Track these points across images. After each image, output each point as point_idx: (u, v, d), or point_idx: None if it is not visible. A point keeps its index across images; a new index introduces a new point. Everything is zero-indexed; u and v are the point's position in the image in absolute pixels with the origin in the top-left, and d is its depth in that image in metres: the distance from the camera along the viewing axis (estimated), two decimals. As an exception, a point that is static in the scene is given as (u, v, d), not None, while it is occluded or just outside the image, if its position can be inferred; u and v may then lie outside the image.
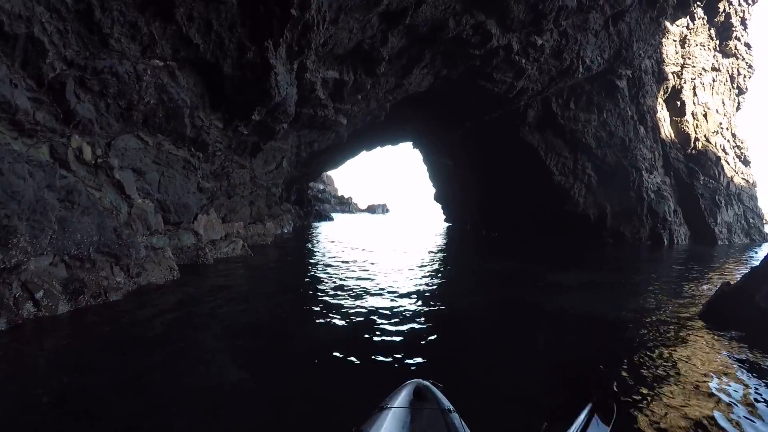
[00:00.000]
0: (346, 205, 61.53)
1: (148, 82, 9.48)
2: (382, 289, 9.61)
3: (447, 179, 30.73)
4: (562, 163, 22.07)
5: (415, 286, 10.23)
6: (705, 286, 10.78)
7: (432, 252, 17.61)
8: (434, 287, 10.27)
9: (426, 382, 3.72)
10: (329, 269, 12.60)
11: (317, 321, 6.99)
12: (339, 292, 9.16)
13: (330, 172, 69.19)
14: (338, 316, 7.14)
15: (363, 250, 17.25)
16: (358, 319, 7.03)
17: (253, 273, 11.96)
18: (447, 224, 38.40)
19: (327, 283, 10.45)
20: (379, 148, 31.13)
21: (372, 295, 9.06)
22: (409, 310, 7.81)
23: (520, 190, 23.82)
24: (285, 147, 16.87)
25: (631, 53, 19.92)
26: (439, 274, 12.38)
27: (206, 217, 15.32)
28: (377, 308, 7.82)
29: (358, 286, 10.03)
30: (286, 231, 24.40)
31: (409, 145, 31.92)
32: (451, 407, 3.34)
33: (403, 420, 3.28)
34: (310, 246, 18.72)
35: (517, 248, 19.72)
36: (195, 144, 11.92)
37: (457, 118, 22.59)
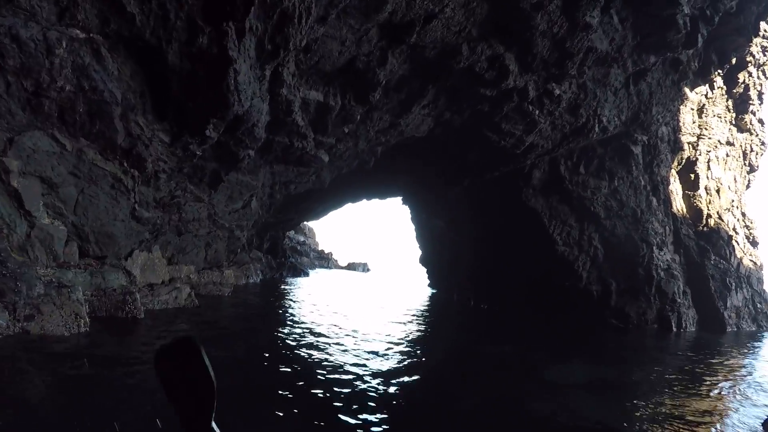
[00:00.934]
0: (325, 261, 58.29)
1: (63, 58, 7.10)
2: (352, 375, 7.00)
3: (436, 242, 28.33)
4: (566, 233, 19.90)
5: (391, 374, 7.62)
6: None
7: (415, 324, 14.93)
8: (414, 378, 7.75)
9: None
10: (289, 340, 9.85)
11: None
12: (296, 378, 6.56)
13: (311, 224, 66.65)
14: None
15: (336, 313, 14.50)
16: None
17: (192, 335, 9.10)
18: (431, 290, 35.51)
19: (281, 359, 7.74)
20: (365, 200, 28.92)
21: (338, 383, 6.54)
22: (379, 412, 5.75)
23: (518, 259, 21.44)
24: (255, 183, 14.44)
25: (650, 117, 18.38)
26: (422, 358, 9.78)
27: (146, 254, 12.54)
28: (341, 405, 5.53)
29: (323, 366, 7.41)
30: (251, 281, 21.47)
31: (397, 200, 29.84)
32: None
33: None
34: (275, 304, 15.84)
35: (510, 327, 17.11)
36: (129, 158, 9.40)
37: (455, 174, 20.58)
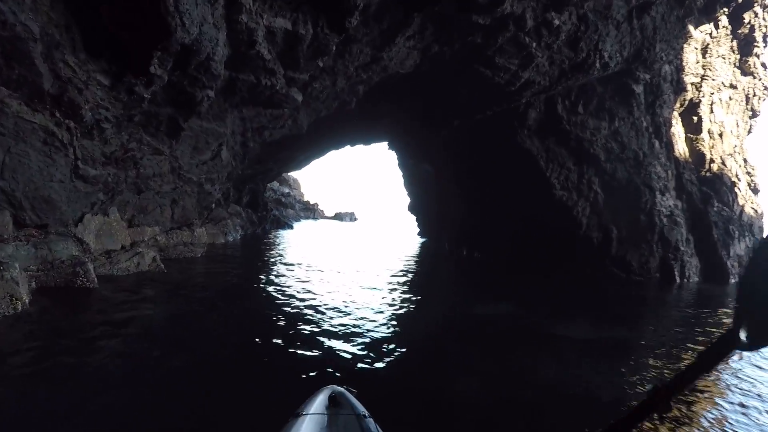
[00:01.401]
0: (311, 212, 57.10)
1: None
2: (336, 332, 6.41)
3: (425, 188, 27.17)
4: (565, 176, 18.79)
5: (385, 341, 6.63)
6: None
7: (405, 278, 13.97)
8: (403, 345, 6.74)
9: (340, 389, 3.72)
10: (270, 303, 8.82)
11: None
12: (277, 353, 5.64)
13: (295, 175, 65.04)
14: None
15: (320, 271, 13.43)
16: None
17: (151, 306, 7.95)
18: (421, 239, 34.83)
19: (258, 328, 6.67)
20: (349, 147, 27.39)
21: (322, 344, 5.79)
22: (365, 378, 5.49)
23: (512, 206, 20.42)
24: (222, 131, 12.90)
25: (653, 54, 16.88)
26: (416, 321, 8.80)
27: (101, 218, 11.19)
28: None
29: (311, 334, 6.42)
30: (230, 239, 20.27)
31: (383, 145, 28.31)
32: (366, 412, 3.35)
33: (320, 426, 3.27)
34: (254, 263, 14.70)
35: (506, 280, 16.28)
36: (60, 106, 7.87)
37: (444, 114, 19.11)
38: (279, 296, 9.64)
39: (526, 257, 19.89)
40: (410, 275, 14.95)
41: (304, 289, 10.61)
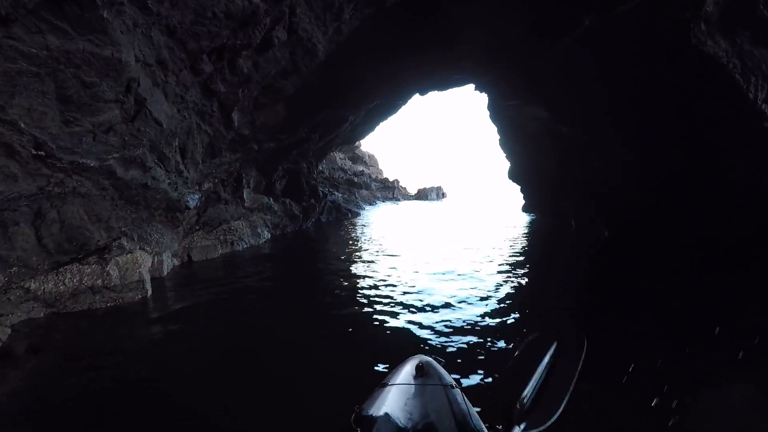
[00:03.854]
0: (390, 191, 49.91)
1: None
2: None
3: (534, 144, 18.78)
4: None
5: None
6: None
7: (514, 287, 7.06)
8: None
9: (428, 358, 3.74)
10: None
11: None
12: None
13: (372, 150, 58.49)
14: None
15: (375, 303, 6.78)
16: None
17: None
18: (528, 216, 26.32)
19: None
20: (418, 96, 19.76)
21: None
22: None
23: (689, 158, 11.57)
24: (123, 59, 6.19)
25: None
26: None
27: None
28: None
29: None
30: (245, 246, 13.89)
31: (468, 94, 20.32)
32: (453, 383, 3.40)
33: (406, 396, 3.32)
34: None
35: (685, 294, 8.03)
36: None
37: (565, 12, 10.99)
38: None
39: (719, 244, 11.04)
40: (522, 274, 8.03)
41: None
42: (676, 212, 12.46)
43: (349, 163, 48.59)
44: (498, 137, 22.93)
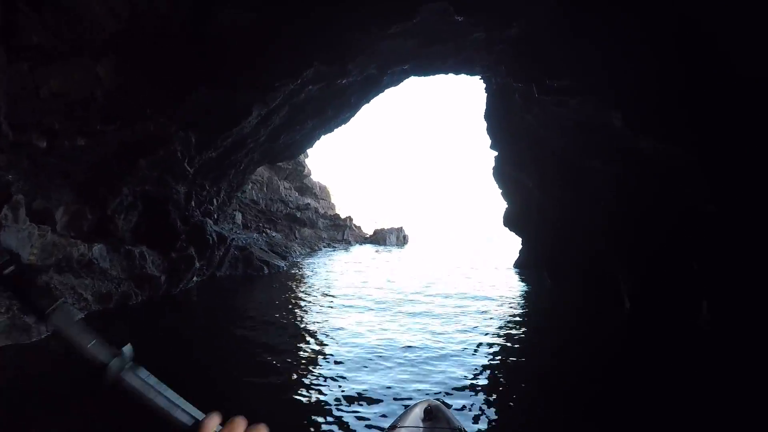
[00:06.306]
0: (340, 230, 41.52)
1: None
2: None
3: (565, 168, 11.74)
4: None
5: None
6: None
7: None
8: None
9: (437, 402, 3.85)
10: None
11: None
12: None
13: (325, 182, 50.75)
14: None
15: None
16: None
17: None
18: (524, 284, 18.21)
19: None
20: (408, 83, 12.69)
21: None
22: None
23: None
24: None
25: None
26: None
27: None
28: None
29: None
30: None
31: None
32: (462, 426, 3.44)
33: None
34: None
35: None
36: None
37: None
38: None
39: None
40: None
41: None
42: None
43: (295, 194, 40.60)
44: (493, 164, 15.85)
